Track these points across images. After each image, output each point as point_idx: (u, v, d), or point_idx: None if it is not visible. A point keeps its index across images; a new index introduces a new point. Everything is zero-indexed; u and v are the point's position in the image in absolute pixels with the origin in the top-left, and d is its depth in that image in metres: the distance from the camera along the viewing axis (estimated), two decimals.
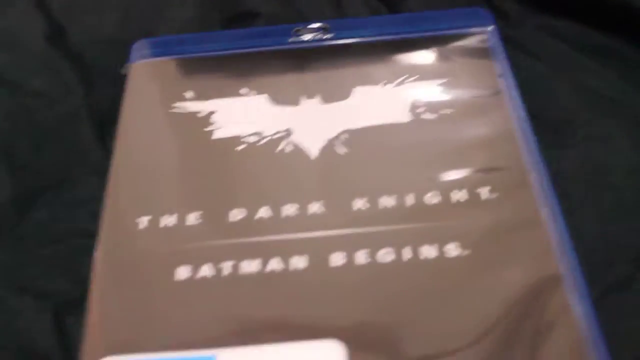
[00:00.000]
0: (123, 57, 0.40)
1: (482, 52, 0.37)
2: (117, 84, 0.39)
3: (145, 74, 0.38)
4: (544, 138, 0.34)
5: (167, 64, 0.39)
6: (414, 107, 0.35)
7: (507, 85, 0.35)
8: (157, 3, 0.45)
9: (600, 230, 0.33)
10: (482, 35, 0.38)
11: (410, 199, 0.31)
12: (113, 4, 0.45)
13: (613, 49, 0.40)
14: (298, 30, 0.39)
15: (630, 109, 0.38)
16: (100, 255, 0.31)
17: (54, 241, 0.35)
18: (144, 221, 0.32)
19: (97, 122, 0.40)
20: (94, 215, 0.33)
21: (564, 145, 0.36)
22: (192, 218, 0.32)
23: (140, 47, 0.39)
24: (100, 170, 0.36)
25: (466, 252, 0.29)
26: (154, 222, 0.32)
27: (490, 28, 0.38)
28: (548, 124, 0.36)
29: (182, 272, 0.30)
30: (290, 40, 0.39)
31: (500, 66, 0.36)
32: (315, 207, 0.31)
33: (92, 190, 0.35)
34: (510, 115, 0.34)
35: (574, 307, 0.27)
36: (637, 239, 0.33)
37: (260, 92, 0.36)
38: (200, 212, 0.32)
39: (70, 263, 0.34)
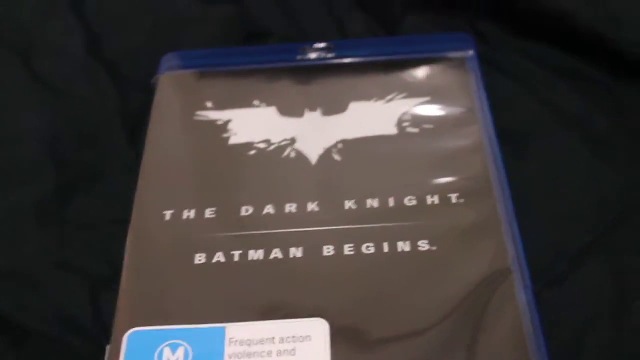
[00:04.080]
0: (152, 66, 0.43)
1: (461, 74, 0.40)
2: (147, 91, 0.42)
3: (172, 85, 0.42)
4: (509, 150, 0.37)
5: (190, 76, 0.42)
6: (400, 122, 0.38)
7: (480, 104, 0.38)
8: (181, 20, 0.48)
9: (547, 233, 0.37)
10: (462, 58, 0.41)
11: (391, 202, 0.35)
12: (143, 19, 0.48)
13: (582, 72, 0.43)
14: (305, 49, 0.42)
15: (589, 126, 0.41)
16: (131, 241, 0.34)
17: (91, 227, 0.38)
18: (168, 214, 0.35)
19: (129, 126, 0.43)
20: (125, 207, 0.36)
21: (525, 156, 0.39)
22: (208, 212, 0.35)
23: (167, 59, 0.43)
24: (130, 168, 0.39)
25: (434, 248, 0.33)
26: (176, 215, 0.35)
27: (470, 52, 0.41)
28: (514, 137, 0.39)
29: (199, 258, 0.33)
30: (298, 57, 0.42)
31: (475, 86, 0.39)
32: (311, 206, 0.35)
33: (123, 185, 0.38)
34: (480, 130, 0.37)
35: (519, 297, 0.31)
36: (574, 243, 0.37)
37: (269, 104, 0.40)
38: (215, 208, 0.35)
39: (105, 246, 0.37)
